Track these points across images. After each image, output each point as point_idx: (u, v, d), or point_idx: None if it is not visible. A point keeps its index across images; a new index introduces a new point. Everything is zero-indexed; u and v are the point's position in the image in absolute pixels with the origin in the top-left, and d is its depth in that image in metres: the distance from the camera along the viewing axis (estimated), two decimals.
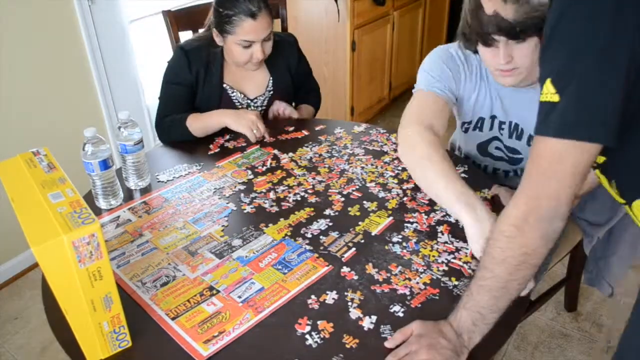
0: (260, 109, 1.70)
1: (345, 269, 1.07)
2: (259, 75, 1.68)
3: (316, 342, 0.91)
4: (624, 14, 0.67)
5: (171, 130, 1.58)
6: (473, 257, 1.09)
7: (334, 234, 1.17)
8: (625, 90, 0.69)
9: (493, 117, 1.40)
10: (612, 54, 0.67)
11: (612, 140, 0.71)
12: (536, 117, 0.75)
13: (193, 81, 1.60)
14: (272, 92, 1.69)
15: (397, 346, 0.89)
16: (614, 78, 0.68)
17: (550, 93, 0.71)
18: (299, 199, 1.29)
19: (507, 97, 1.35)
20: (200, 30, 1.73)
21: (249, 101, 1.68)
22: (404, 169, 1.39)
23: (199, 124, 1.55)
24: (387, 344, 0.90)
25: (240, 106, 1.67)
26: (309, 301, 0.99)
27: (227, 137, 1.59)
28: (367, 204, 1.26)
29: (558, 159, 0.73)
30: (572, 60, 0.69)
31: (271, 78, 1.68)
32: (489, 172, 1.50)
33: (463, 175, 1.36)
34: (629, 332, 0.94)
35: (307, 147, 1.53)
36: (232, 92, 1.65)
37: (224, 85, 1.64)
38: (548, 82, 0.72)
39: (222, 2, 1.49)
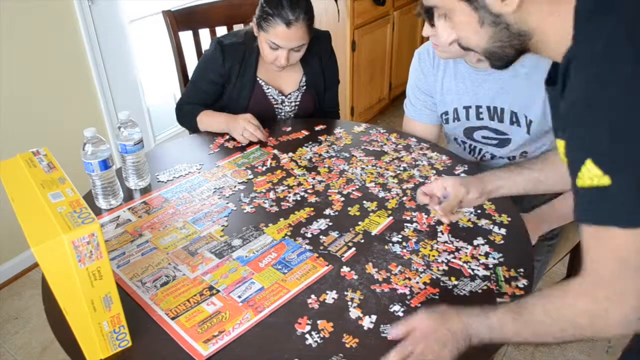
0: (293, 104, 1.71)
1: (345, 269, 1.07)
2: (293, 72, 1.69)
3: (316, 341, 0.91)
4: None
5: (185, 119, 1.68)
6: (473, 256, 1.09)
7: (334, 234, 1.17)
8: None
9: (467, 107, 1.45)
10: None
11: None
12: (577, 203, 0.68)
13: (225, 76, 1.63)
14: (305, 88, 1.71)
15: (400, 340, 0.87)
16: None
17: (596, 176, 0.64)
18: (299, 199, 1.29)
19: (472, 81, 1.42)
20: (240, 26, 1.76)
21: (284, 97, 1.69)
22: (404, 169, 1.39)
23: (205, 123, 1.63)
24: (390, 335, 0.88)
25: (274, 102, 1.69)
26: (309, 301, 0.99)
27: (227, 137, 1.59)
28: (367, 204, 1.26)
29: (637, 249, 0.65)
30: (618, 138, 0.63)
31: (304, 74, 1.69)
32: (476, 154, 1.54)
33: (463, 175, 1.36)
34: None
35: (307, 147, 1.53)
36: (267, 88, 1.67)
37: (258, 80, 1.65)
38: (589, 164, 0.64)
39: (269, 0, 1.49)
